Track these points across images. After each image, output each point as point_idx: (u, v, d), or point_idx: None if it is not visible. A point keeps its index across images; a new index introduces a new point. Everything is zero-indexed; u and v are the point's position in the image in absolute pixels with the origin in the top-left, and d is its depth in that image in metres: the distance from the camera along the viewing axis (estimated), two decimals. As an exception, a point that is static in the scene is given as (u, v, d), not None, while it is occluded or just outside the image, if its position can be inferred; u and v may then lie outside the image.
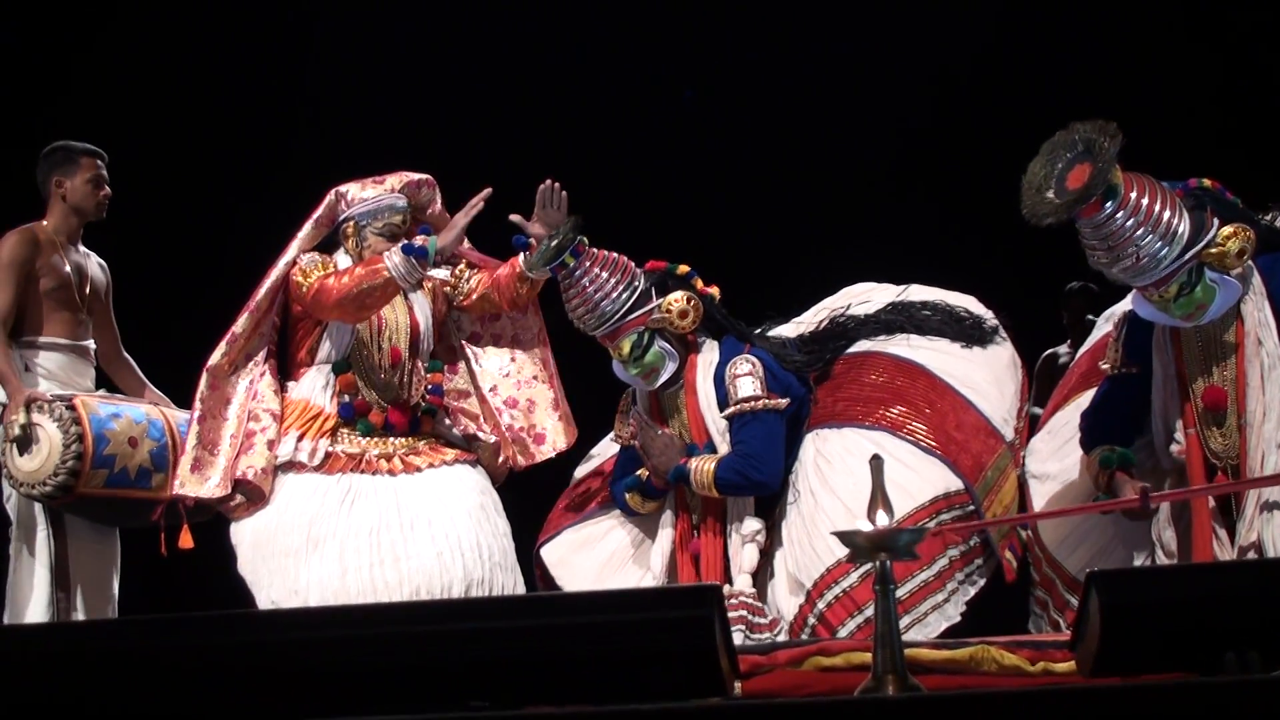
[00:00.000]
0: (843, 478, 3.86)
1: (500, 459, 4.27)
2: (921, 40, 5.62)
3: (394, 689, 2.67)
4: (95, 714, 2.76)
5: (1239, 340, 3.51)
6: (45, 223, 4.54)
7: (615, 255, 4.04)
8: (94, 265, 4.65)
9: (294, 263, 4.16)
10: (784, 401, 3.98)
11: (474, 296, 4.27)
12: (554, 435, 4.28)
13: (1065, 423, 3.90)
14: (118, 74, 5.91)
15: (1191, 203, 3.47)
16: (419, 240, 4.02)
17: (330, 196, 4.20)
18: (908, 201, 5.12)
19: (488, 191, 4.09)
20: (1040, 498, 3.87)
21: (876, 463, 3.03)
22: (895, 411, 3.93)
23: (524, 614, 2.80)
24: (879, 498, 2.97)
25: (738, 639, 3.72)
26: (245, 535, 4.07)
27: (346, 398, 4.14)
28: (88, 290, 4.56)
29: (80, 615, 4.32)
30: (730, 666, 2.84)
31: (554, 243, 3.99)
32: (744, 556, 3.93)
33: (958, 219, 4.24)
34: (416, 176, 4.28)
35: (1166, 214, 3.39)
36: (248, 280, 4.28)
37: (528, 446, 4.26)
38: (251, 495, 4.07)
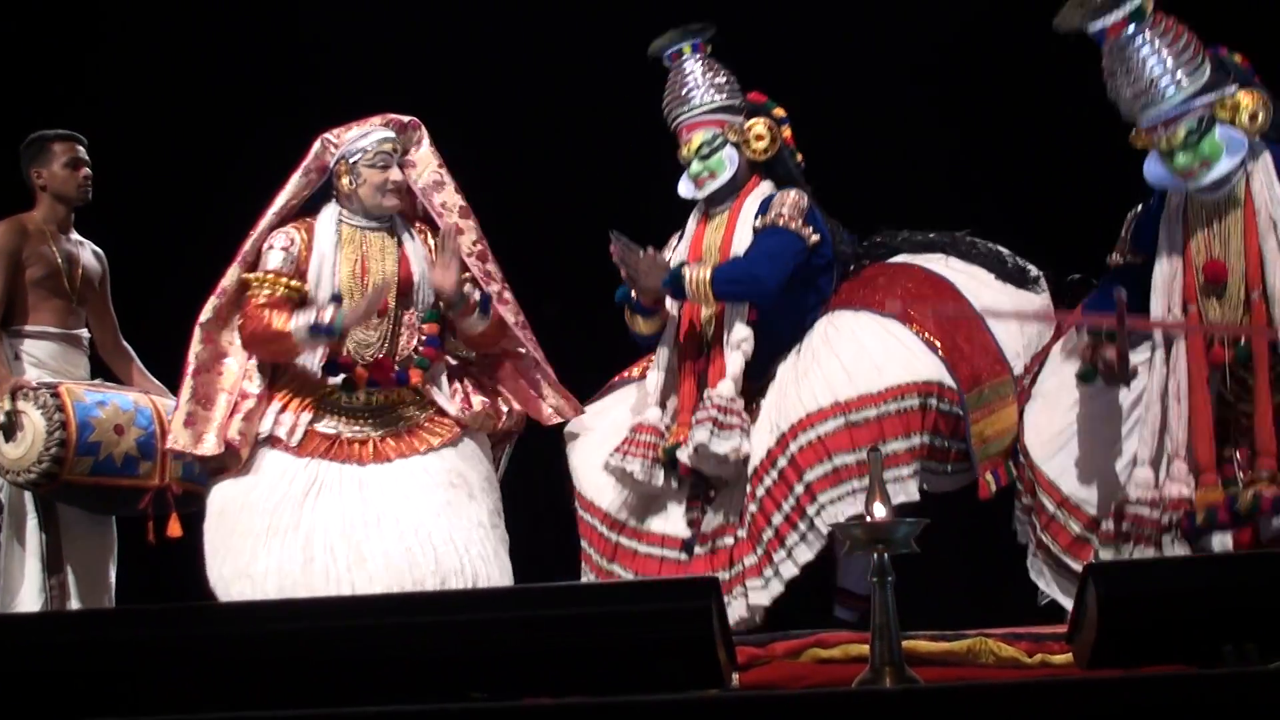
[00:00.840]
0: (847, 343, 3.89)
1: (501, 420, 4.14)
2: (930, 45, 5.60)
3: (393, 680, 2.66)
4: (80, 703, 2.74)
5: (1247, 216, 3.51)
6: (35, 213, 4.51)
7: (724, 68, 4.14)
8: (88, 254, 4.61)
9: (273, 228, 4.05)
10: (814, 236, 3.99)
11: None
12: (555, 407, 4.18)
13: (1066, 347, 3.90)
14: (106, 58, 5.86)
15: (1217, 63, 3.51)
16: (327, 316, 3.92)
17: (317, 145, 4.09)
18: (910, 198, 5.10)
19: (386, 286, 3.99)
20: (1033, 413, 3.86)
21: (875, 455, 3.03)
22: (914, 308, 3.95)
23: (522, 605, 2.79)
24: (876, 489, 2.97)
25: (701, 435, 3.79)
26: (215, 503, 3.97)
27: (329, 354, 4.01)
28: (79, 279, 4.53)
29: (75, 603, 4.29)
30: (728, 658, 2.84)
31: (679, 31, 4.12)
32: (730, 362, 3.93)
33: (962, 213, 4.25)
34: (402, 118, 4.18)
35: (1189, 52, 3.44)
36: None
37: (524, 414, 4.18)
38: (232, 460, 3.97)
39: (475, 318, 4.06)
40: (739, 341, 3.94)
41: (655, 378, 4.10)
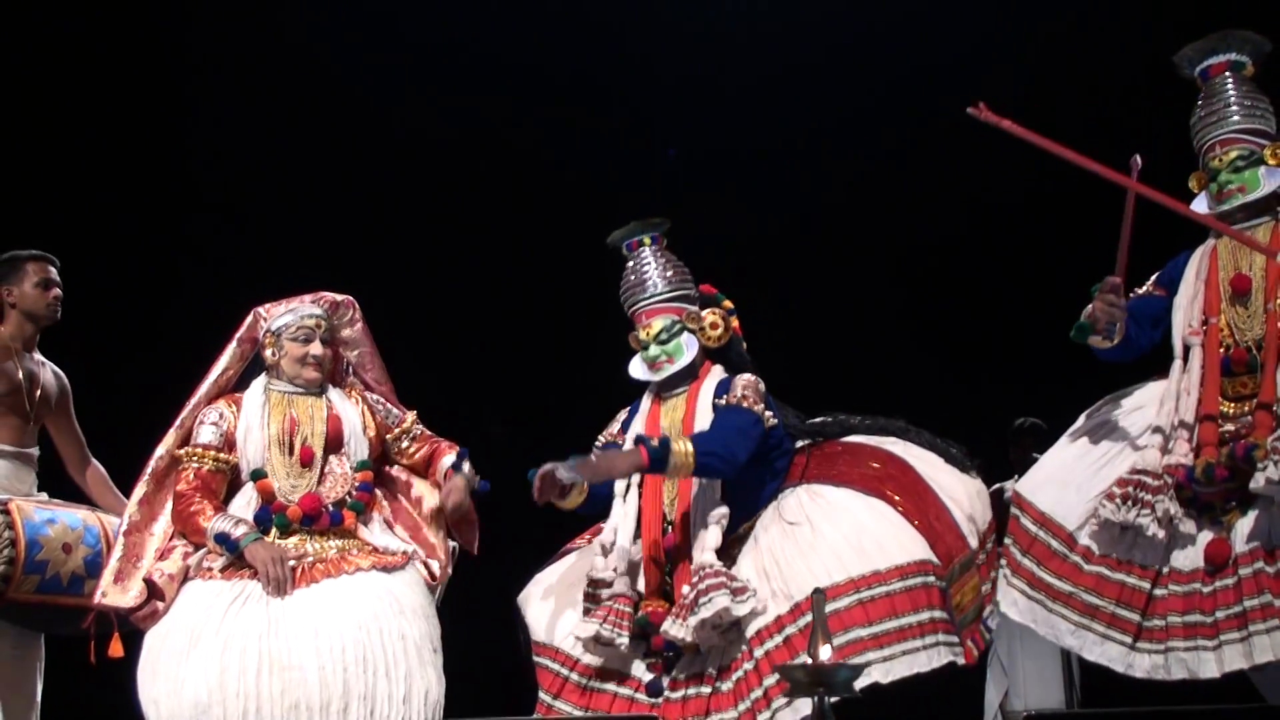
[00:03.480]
0: (843, 518, 4.01)
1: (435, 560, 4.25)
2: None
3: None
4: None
5: (1274, 239, 3.92)
6: (2, 330, 4.53)
7: (677, 260, 4.38)
8: (48, 373, 4.62)
9: (210, 398, 4.28)
10: (772, 420, 4.14)
11: (408, 459, 4.42)
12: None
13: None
14: (68, 176, 5.97)
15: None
16: (237, 533, 4.07)
17: (249, 317, 4.36)
18: (840, 383, 5.25)
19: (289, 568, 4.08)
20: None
21: (818, 596, 3.04)
22: (889, 488, 4.08)
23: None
24: (820, 633, 2.97)
25: (721, 601, 3.84)
26: (148, 638, 4.04)
27: (260, 502, 4.16)
28: (37, 398, 4.52)
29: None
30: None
31: (640, 224, 4.36)
32: (709, 536, 4.03)
33: (907, 355, 4.35)
34: (336, 296, 4.42)
35: (1264, 103, 4.03)
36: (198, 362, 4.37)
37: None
38: (157, 597, 4.04)
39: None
40: (719, 517, 4.06)
41: (615, 554, 4.16)
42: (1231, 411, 3.84)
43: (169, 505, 4.21)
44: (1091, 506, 3.81)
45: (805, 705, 3.73)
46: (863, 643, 3.80)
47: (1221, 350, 3.88)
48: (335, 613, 3.93)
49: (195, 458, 4.19)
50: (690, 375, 4.26)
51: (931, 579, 3.91)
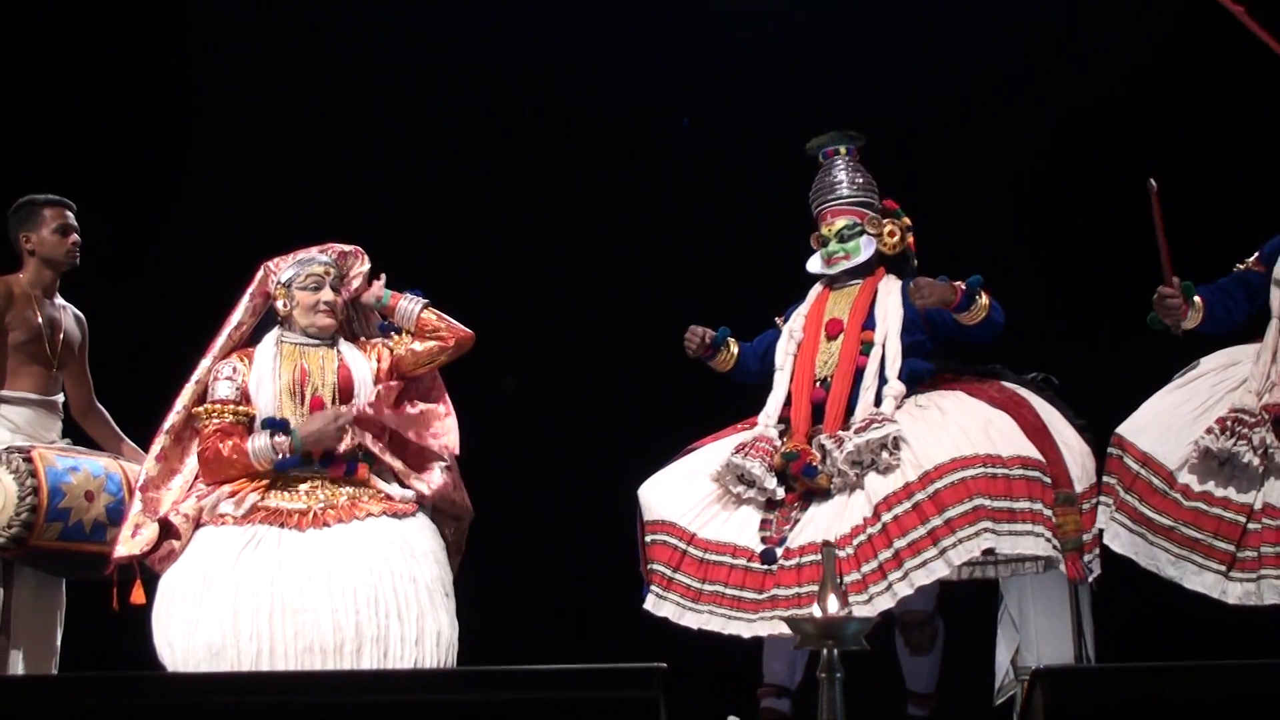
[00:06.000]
0: (973, 413, 4.22)
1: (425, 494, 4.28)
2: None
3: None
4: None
5: None
6: (21, 276, 4.54)
7: (867, 171, 4.68)
8: (69, 318, 4.64)
9: (225, 353, 4.34)
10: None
11: (411, 356, 4.41)
12: (450, 435, 4.36)
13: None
14: (90, 123, 5.97)
15: None
16: (286, 446, 4.16)
17: (260, 272, 4.41)
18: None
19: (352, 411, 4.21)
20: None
21: (828, 550, 3.06)
22: (1010, 409, 4.26)
23: (466, 688, 2.79)
24: (828, 586, 2.98)
25: (894, 429, 4.10)
26: (163, 583, 4.11)
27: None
28: (60, 344, 4.55)
29: (20, 665, 4.29)
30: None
31: (839, 134, 4.65)
32: (885, 404, 4.29)
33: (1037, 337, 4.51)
34: (344, 246, 4.46)
35: None
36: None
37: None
38: (173, 536, 4.10)
39: (409, 304, 4.35)
40: (897, 394, 4.33)
41: (773, 403, 4.45)
42: None
43: (188, 461, 4.28)
44: (1190, 449, 3.96)
45: (940, 566, 3.96)
46: (983, 511, 3.97)
47: None
48: (347, 556, 4.00)
49: (214, 413, 4.26)
50: (861, 274, 4.55)
51: (1046, 478, 4.08)
